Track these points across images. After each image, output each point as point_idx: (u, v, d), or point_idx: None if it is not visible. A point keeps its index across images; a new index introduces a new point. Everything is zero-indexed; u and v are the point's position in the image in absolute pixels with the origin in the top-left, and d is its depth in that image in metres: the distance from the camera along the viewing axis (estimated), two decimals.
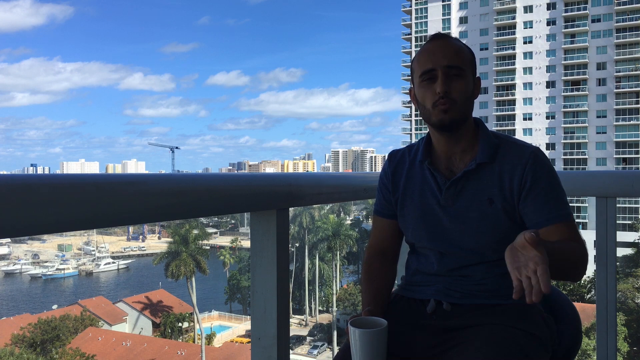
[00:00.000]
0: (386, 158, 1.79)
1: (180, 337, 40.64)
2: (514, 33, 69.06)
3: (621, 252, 40.39)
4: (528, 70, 68.69)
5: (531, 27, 68.36)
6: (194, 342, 38.88)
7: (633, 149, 63.63)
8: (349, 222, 62.83)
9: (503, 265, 1.47)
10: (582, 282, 43.12)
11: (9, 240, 70.71)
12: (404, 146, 1.74)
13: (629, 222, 52.96)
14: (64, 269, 72.58)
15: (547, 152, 66.87)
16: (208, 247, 50.37)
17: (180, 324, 41.17)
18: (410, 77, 1.64)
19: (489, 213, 1.50)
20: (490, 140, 1.55)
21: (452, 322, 1.51)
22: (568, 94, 66.62)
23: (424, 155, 1.60)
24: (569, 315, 1.65)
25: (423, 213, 1.59)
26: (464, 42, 1.55)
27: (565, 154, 66.60)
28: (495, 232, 1.49)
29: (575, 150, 66.36)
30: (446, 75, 1.49)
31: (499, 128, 67.85)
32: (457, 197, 1.53)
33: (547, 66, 67.82)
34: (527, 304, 1.51)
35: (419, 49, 1.63)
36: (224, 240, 78.81)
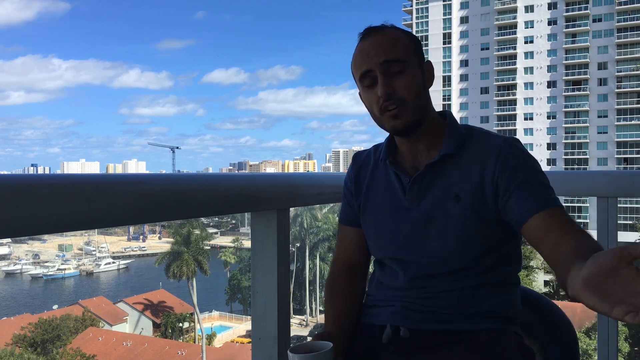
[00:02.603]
0: (351, 160, 1.63)
1: (181, 338, 40.68)
2: (515, 33, 69.05)
3: None
4: (529, 70, 68.68)
5: (532, 27, 68.35)
6: (194, 342, 38.91)
7: (634, 149, 63.62)
8: None
9: (471, 276, 1.35)
10: None
11: (9, 240, 70.79)
12: (371, 146, 1.58)
13: (630, 222, 52.93)
14: (64, 269, 72.65)
15: (548, 152, 66.92)
16: (209, 247, 50.42)
17: (180, 324, 41.20)
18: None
19: (455, 211, 1.33)
20: (457, 132, 1.39)
21: (412, 355, 1.33)
22: (569, 93, 66.62)
23: (387, 153, 1.45)
24: (564, 335, 1.51)
25: (385, 217, 1.43)
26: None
27: (566, 153, 66.58)
28: (462, 234, 1.33)
29: (577, 150, 66.35)
30: (385, 74, 1.32)
31: (499, 128, 67.88)
32: (423, 196, 1.37)
33: (548, 66, 67.82)
34: (501, 331, 1.33)
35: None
36: (225, 241, 78.87)
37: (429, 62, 1.41)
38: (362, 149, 1.64)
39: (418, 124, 1.36)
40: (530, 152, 1.38)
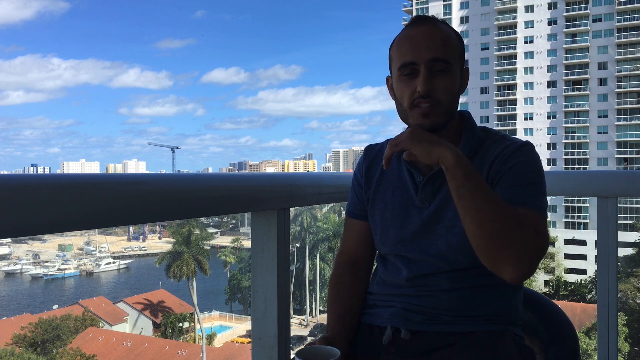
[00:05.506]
0: (362, 152, 1.60)
1: (181, 337, 40.67)
2: (515, 33, 69.04)
3: (622, 252, 40.38)
4: (529, 69, 68.67)
5: (532, 27, 68.34)
6: (194, 342, 38.90)
7: (634, 149, 63.60)
8: None
9: (474, 276, 1.35)
10: (583, 282, 43.18)
11: (9, 240, 70.74)
12: (384, 140, 1.55)
13: (630, 222, 52.93)
14: (64, 269, 72.62)
15: (548, 152, 66.89)
16: (209, 247, 50.40)
17: (180, 324, 41.20)
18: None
19: None
20: (475, 134, 1.39)
21: (412, 357, 1.32)
22: (569, 93, 66.60)
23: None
24: (564, 335, 1.50)
25: (393, 213, 1.43)
26: (464, 42, 1.42)
27: (566, 153, 66.57)
28: None
29: (577, 150, 66.32)
30: (429, 70, 1.29)
31: (499, 128, 67.82)
32: (434, 196, 1.37)
33: (548, 66, 67.81)
34: (501, 332, 1.33)
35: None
36: (225, 240, 78.85)
37: (467, 69, 1.40)
38: (362, 148, 1.62)
39: (443, 126, 1.34)
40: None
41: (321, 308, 51.96)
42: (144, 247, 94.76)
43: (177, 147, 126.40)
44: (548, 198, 1.37)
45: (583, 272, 51.02)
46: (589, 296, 40.09)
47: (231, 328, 45.84)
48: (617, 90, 64.47)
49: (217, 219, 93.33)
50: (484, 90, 71.02)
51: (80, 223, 1.22)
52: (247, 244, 59.81)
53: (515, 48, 69.00)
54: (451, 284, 1.34)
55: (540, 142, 67.02)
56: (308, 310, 51.09)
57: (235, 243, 62.76)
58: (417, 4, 75.18)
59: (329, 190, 2.08)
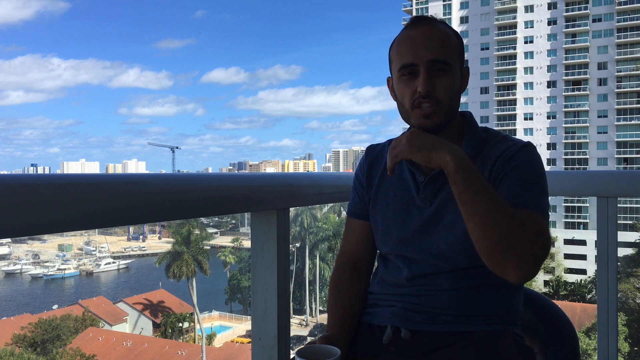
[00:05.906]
0: (362, 152, 1.62)
1: (181, 337, 40.66)
2: (514, 33, 69.05)
3: (622, 252, 40.37)
4: (529, 70, 68.68)
5: (532, 27, 68.35)
6: (194, 342, 38.90)
7: (634, 149, 63.60)
8: None
9: (474, 276, 1.35)
10: (583, 282, 43.20)
11: (9, 240, 70.67)
12: (385, 140, 1.56)
13: (630, 222, 52.93)
14: (64, 269, 72.59)
15: (548, 152, 66.91)
16: (209, 247, 50.41)
17: (180, 324, 41.20)
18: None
19: None
20: (477, 135, 1.39)
21: (412, 357, 1.33)
22: (569, 93, 66.61)
23: None
24: (564, 335, 1.50)
25: (394, 213, 1.43)
26: (464, 42, 1.42)
27: (566, 153, 66.58)
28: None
29: (576, 150, 66.33)
30: (429, 71, 1.30)
31: (499, 128, 67.78)
32: (436, 196, 1.37)
33: (548, 66, 67.81)
34: (500, 332, 1.33)
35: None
36: (225, 240, 78.82)
37: (467, 68, 1.40)
38: (362, 149, 1.63)
39: (445, 126, 1.35)
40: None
41: (321, 308, 51.95)
42: (144, 247, 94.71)
43: (177, 147, 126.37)
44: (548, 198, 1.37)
45: (583, 272, 51.04)
46: (589, 296, 40.10)
47: (231, 328, 45.83)
48: (617, 90, 64.48)
49: (217, 219, 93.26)
50: (484, 90, 71.03)
51: (80, 223, 1.22)
52: (247, 244, 59.77)
53: (515, 48, 69.01)
54: (452, 284, 1.35)
55: (540, 142, 67.03)
56: (308, 310, 51.08)
57: (235, 243, 62.73)
58: (417, 4, 75.17)
59: (329, 190, 2.07)
